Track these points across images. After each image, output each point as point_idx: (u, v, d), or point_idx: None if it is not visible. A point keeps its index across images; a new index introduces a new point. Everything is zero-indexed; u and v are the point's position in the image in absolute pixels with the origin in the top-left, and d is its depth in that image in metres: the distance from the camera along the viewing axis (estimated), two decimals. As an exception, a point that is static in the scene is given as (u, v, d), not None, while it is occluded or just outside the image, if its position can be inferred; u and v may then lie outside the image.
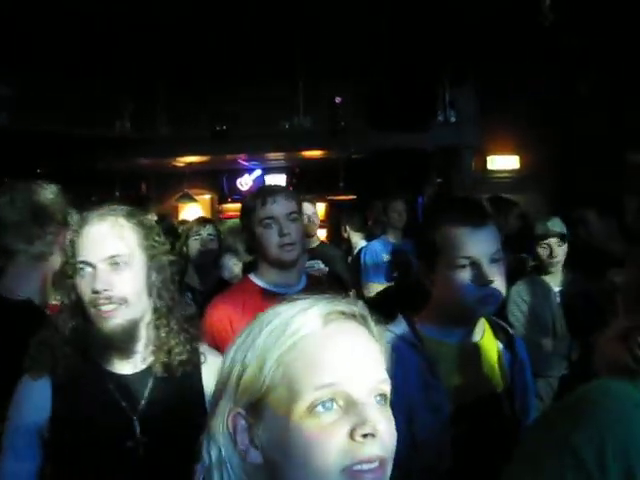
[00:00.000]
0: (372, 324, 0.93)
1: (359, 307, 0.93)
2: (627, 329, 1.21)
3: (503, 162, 9.67)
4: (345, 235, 6.25)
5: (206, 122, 8.72)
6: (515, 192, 8.62)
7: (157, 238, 1.70)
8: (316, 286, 2.53)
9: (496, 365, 1.78)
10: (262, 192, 2.46)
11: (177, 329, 1.68)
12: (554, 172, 9.18)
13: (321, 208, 11.01)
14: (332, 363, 0.87)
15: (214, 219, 6.41)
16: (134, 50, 7.43)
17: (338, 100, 8.23)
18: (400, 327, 1.71)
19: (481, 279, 1.67)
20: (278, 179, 12.08)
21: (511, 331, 1.90)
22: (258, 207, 2.39)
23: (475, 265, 1.68)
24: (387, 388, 0.93)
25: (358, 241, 6.08)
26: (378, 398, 0.91)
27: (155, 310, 1.68)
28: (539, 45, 8.08)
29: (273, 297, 2.40)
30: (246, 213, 2.45)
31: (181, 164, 10.42)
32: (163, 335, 1.67)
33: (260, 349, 0.89)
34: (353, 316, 0.91)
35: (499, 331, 1.87)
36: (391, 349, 1.47)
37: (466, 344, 1.75)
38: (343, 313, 0.90)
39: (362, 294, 4.82)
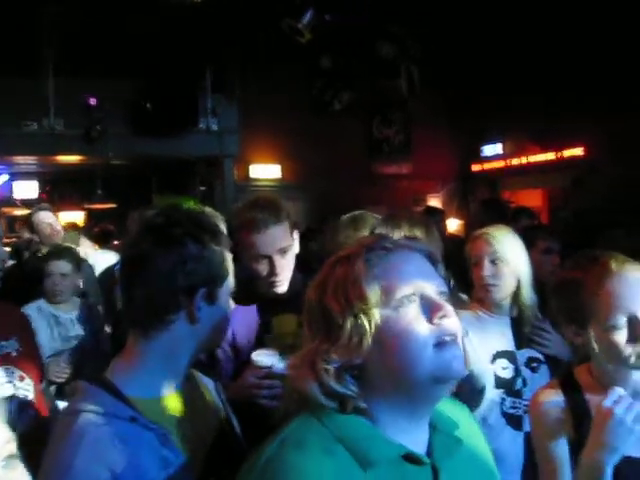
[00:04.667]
0: None
1: None
2: (313, 353, 1.09)
3: (265, 171, 9.91)
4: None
5: None
6: (282, 204, 8.86)
7: None
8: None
9: (210, 398, 1.51)
10: None
11: None
12: (316, 181, 9.63)
13: (79, 217, 10.40)
14: None
15: None
16: None
17: (93, 102, 7.74)
18: (98, 400, 1.25)
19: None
20: (29, 185, 11.13)
21: None
22: None
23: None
24: None
25: (89, 252, 5.51)
26: None
27: None
28: (300, 61, 8.44)
29: None
30: None
31: None
32: None
33: None
34: None
35: None
36: (96, 440, 1.18)
37: (184, 388, 1.41)
38: None
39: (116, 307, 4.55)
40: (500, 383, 2.37)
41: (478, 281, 2.40)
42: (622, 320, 1.49)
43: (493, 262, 2.39)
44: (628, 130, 7.26)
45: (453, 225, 9.31)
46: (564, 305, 1.61)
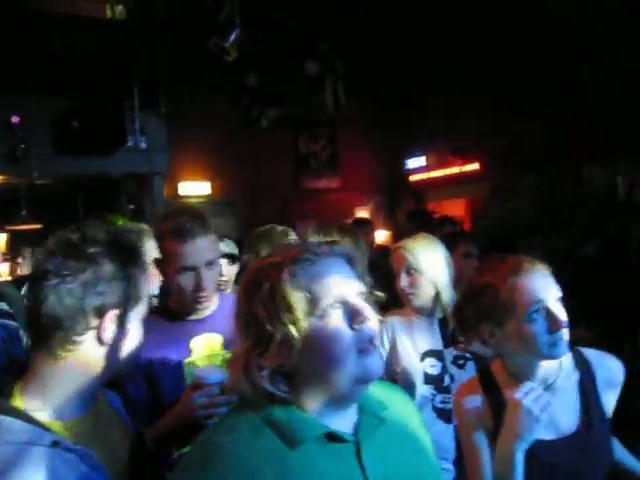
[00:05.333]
0: None
1: None
2: (245, 356, 1.19)
3: (194, 188, 9.91)
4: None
5: None
6: (208, 216, 8.88)
7: None
8: None
9: (119, 415, 1.52)
10: None
11: None
12: (246, 197, 9.73)
13: (1, 240, 10.04)
14: None
15: None
16: None
17: (16, 120, 7.55)
18: (12, 429, 1.19)
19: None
20: (-54, 208, 10.67)
21: None
22: None
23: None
24: None
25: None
26: None
27: None
28: (227, 78, 8.53)
29: None
30: None
31: None
32: None
33: None
34: None
35: None
36: (19, 473, 1.12)
37: (96, 408, 1.40)
38: None
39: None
40: (429, 380, 2.54)
41: (399, 291, 2.61)
42: (538, 312, 1.62)
43: (409, 273, 2.58)
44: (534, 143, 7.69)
45: (381, 236, 9.59)
46: (481, 309, 1.71)
